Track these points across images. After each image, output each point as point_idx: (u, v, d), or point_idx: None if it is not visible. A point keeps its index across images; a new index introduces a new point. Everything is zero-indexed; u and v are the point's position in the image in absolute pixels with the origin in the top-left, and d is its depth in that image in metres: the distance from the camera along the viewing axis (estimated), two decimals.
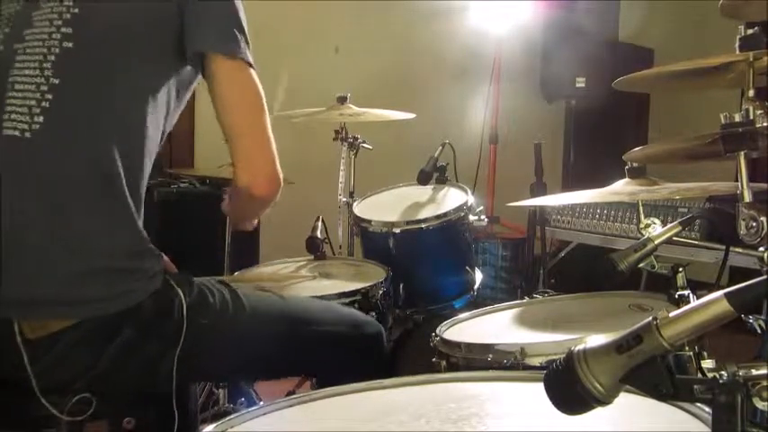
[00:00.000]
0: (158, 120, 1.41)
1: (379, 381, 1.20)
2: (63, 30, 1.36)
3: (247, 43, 1.42)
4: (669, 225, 1.56)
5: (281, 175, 1.44)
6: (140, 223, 1.38)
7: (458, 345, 1.50)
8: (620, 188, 1.61)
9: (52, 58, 1.35)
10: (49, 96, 1.33)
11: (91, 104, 1.35)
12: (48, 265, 1.31)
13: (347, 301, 1.94)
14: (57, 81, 1.34)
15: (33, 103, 1.33)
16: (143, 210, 1.41)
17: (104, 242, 1.33)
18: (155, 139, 1.41)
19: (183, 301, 1.38)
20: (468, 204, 2.40)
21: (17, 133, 1.32)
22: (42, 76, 1.34)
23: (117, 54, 1.37)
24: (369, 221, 2.40)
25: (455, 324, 1.69)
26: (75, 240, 1.31)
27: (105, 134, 1.34)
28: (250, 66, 1.42)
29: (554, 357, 1.30)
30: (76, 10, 1.37)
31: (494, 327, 1.68)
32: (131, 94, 1.37)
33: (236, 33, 1.41)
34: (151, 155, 1.41)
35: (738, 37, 1.35)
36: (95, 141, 1.34)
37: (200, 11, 1.39)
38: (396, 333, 2.36)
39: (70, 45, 1.35)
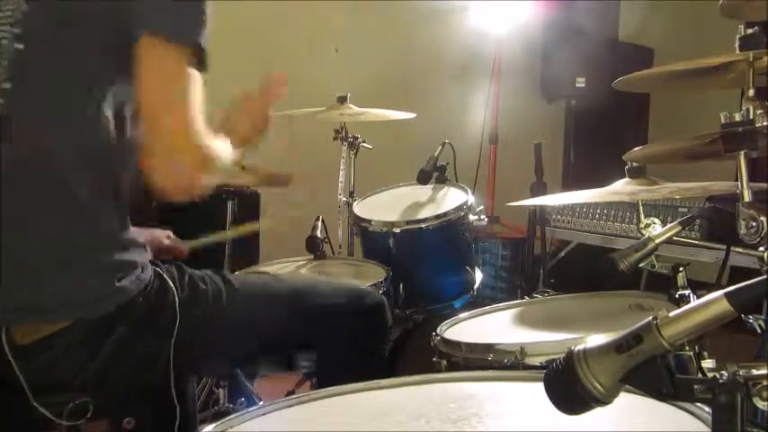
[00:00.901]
0: (120, 108, 1.34)
1: (377, 381, 1.20)
2: (15, 30, 1.31)
3: (195, 26, 1.28)
4: (669, 225, 1.56)
5: (191, 183, 1.33)
6: (121, 217, 1.35)
7: (458, 345, 1.50)
8: (620, 188, 1.61)
9: (4, 62, 1.31)
10: (0, 101, 1.29)
11: (42, 108, 1.31)
12: (26, 274, 1.28)
13: None
14: (7, 85, 1.30)
15: None
16: (125, 202, 1.36)
17: (76, 246, 1.30)
18: (120, 134, 1.34)
19: (176, 292, 1.37)
20: (468, 204, 2.40)
21: None
22: None
23: (64, 52, 1.31)
24: (369, 221, 2.40)
25: (455, 324, 1.69)
26: (45, 247, 1.29)
27: (60, 138, 1.30)
28: (175, 47, 1.27)
29: (554, 357, 1.30)
30: (25, 7, 1.31)
31: (494, 327, 1.68)
32: (83, 94, 1.31)
33: (166, 11, 1.28)
34: (126, 145, 1.34)
35: (738, 37, 1.35)
36: (51, 146, 1.29)
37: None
38: (396, 333, 2.37)
39: (21, 46, 1.31)
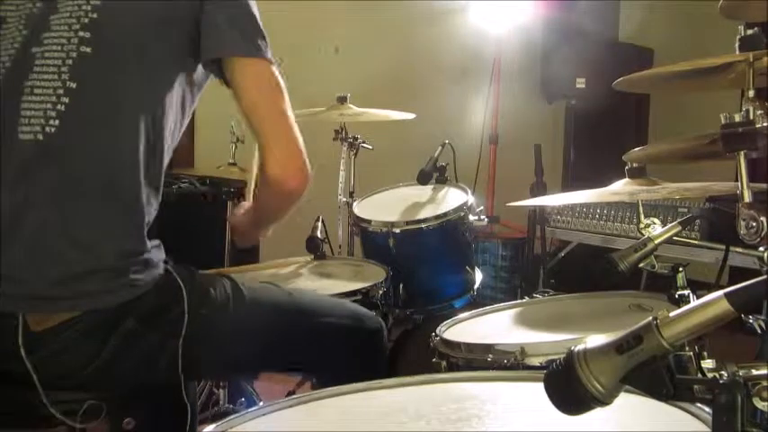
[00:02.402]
0: (173, 120, 1.42)
1: (378, 381, 1.20)
2: (81, 34, 1.37)
3: (265, 40, 1.43)
4: (669, 225, 1.56)
5: (310, 169, 1.45)
6: (147, 222, 1.39)
7: (458, 345, 1.50)
8: (620, 188, 1.61)
9: (70, 62, 1.36)
10: (65, 100, 1.34)
11: (106, 108, 1.36)
12: (53, 263, 1.31)
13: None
14: (74, 85, 1.35)
15: (49, 106, 1.34)
16: (158, 205, 1.43)
17: (111, 243, 1.34)
18: (169, 140, 1.43)
19: (185, 292, 1.38)
20: (468, 204, 2.40)
21: (31, 137, 1.34)
22: (59, 80, 1.35)
23: (133, 58, 1.38)
24: (369, 221, 2.40)
25: (455, 324, 1.69)
26: (82, 241, 1.32)
27: (119, 137, 1.35)
28: (270, 62, 1.43)
29: (554, 357, 1.30)
30: (95, 15, 1.38)
31: (494, 327, 1.68)
32: (146, 96, 1.38)
33: (253, 33, 1.42)
34: (166, 155, 1.43)
35: (738, 37, 1.35)
36: (108, 145, 1.35)
37: (215, 14, 1.40)
38: (396, 333, 2.37)
39: (88, 50, 1.36)
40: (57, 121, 1.34)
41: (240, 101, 1.43)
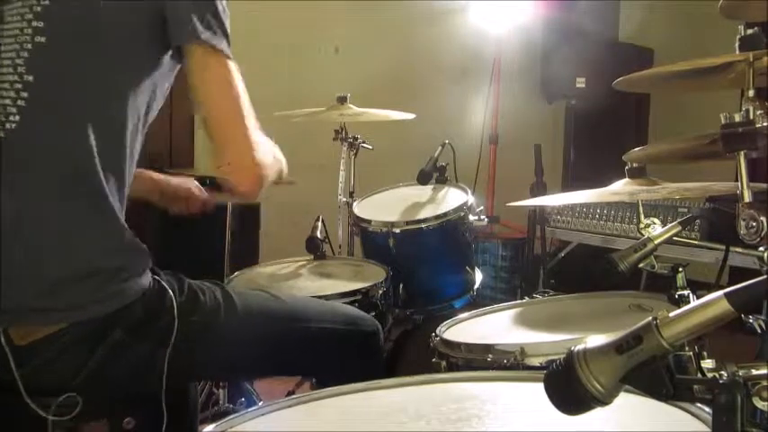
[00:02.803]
0: (137, 113, 1.36)
1: (378, 381, 1.20)
2: (34, 24, 1.31)
3: (225, 34, 1.37)
4: (669, 225, 1.56)
5: (266, 171, 1.40)
6: (122, 220, 1.35)
7: (458, 345, 1.50)
8: (620, 188, 1.61)
9: (25, 54, 1.31)
10: (24, 94, 1.30)
11: (65, 101, 1.31)
12: (30, 271, 1.28)
13: (347, 301, 1.94)
14: (30, 78, 1.30)
15: (8, 102, 1.30)
16: (125, 206, 1.38)
17: (85, 242, 1.30)
18: (135, 133, 1.37)
19: (174, 300, 1.36)
20: (468, 204, 2.40)
21: None
22: (16, 74, 1.31)
23: (90, 47, 1.32)
24: (369, 221, 2.40)
25: (455, 324, 1.69)
26: (54, 243, 1.29)
27: (81, 131, 1.30)
28: (229, 58, 1.37)
29: (554, 357, 1.30)
30: (47, 2, 1.32)
31: (494, 327, 1.68)
32: (107, 88, 1.33)
33: (213, 22, 1.35)
34: (133, 148, 1.37)
35: (738, 37, 1.35)
36: (71, 139, 1.30)
37: (177, 2, 1.35)
38: (396, 333, 2.36)
39: (42, 40, 1.31)
40: (17, 117, 1.29)
41: (194, 93, 1.36)
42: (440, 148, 2.64)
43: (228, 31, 1.38)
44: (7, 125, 1.30)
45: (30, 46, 1.31)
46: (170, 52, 1.39)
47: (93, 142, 1.30)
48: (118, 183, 1.35)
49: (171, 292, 1.37)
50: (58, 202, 1.30)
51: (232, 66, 1.37)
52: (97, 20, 1.33)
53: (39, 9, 1.32)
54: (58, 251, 1.29)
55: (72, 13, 1.33)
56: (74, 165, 1.30)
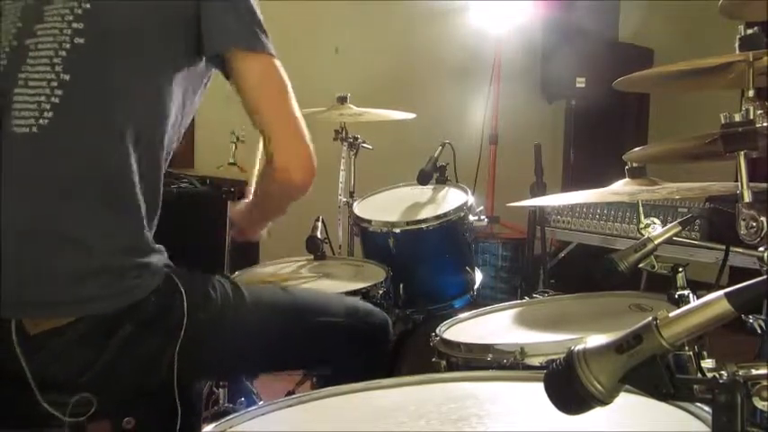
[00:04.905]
0: (172, 116, 1.40)
1: (378, 381, 1.20)
2: (74, 25, 1.35)
3: (266, 34, 1.42)
4: (669, 225, 1.56)
5: (315, 163, 1.44)
6: (146, 221, 1.38)
7: (458, 345, 1.50)
8: (620, 188, 1.61)
9: (63, 53, 1.34)
10: (59, 92, 1.33)
11: (100, 101, 1.34)
12: (48, 265, 1.30)
13: None
14: (67, 77, 1.33)
15: (43, 99, 1.33)
16: (159, 207, 1.42)
17: (106, 241, 1.32)
18: (169, 136, 1.41)
19: (184, 295, 1.37)
20: (468, 204, 2.40)
21: (25, 130, 1.32)
22: (53, 72, 1.33)
23: (128, 51, 1.36)
24: (369, 221, 2.40)
25: (455, 324, 1.69)
26: (76, 239, 1.31)
27: (114, 132, 1.33)
28: (272, 56, 1.42)
29: (554, 357, 1.30)
30: (88, 5, 1.36)
31: (494, 327, 1.68)
32: (142, 91, 1.36)
33: (254, 27, 1.40)
34: (165, 153, 1.41)
35: (738, 37, 1.35)
36: (103, 138, 1.33)
37: (216, 9, 1.39)
38: (396, 333, 2.36)
39: (81, 41, 1.34)
40: (50, 114, 1.32)
41: (243, 97, 1.41)
42: (440, 148, 2.64)
43: (264, 26, 1.42)
44: (41, 120, 1.32)
45: (68, 46, 1.34)
46: (204, 58, 1.42)
47: (122, 145, 1.33)
48: (151, 183, 1.38)
49: (181, 288, 1.38)
50: (77, 201, 1.32)
51: (278, 64, 1.43)
52: (135, 24, 1.36)
53: (79, 11, 1.36)
54: (73, 248, 1.31)
55: (111, 16, 1.36)
56: (101, 163, 1.33)
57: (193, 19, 1.39)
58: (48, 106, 1.32)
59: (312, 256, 2.36)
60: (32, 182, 1.32)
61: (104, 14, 1.36)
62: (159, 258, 1.39)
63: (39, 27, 1.37)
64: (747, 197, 1.26)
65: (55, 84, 1.33)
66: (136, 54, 1.36)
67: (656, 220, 1.60)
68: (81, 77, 1.34)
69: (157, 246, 1.40)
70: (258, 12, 1.43)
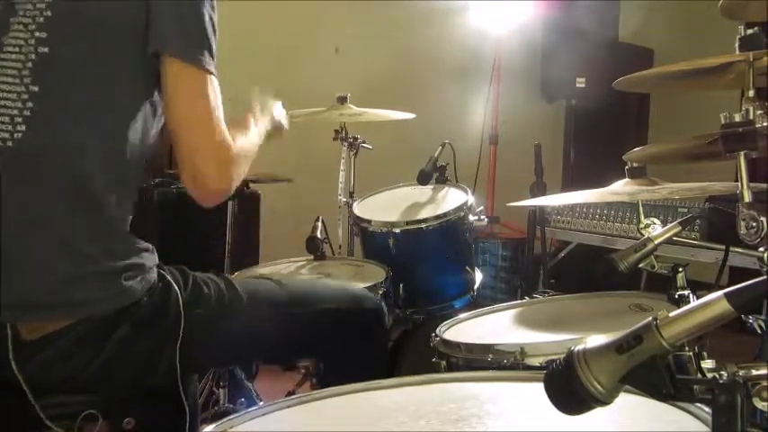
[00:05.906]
0: (143, 120, 1.38)
1: (378, 381, 1.20)
2: (37, 34, 1.33)
3: (210, 49, 1.36)
4: (669, 225, 1.56)
5: (237, 180, 1.39)
6: (128, 224, 1.38)
7: (458, 345, 1.50)
8: (620, 188, 1.61)
9: (30, 65, 1.33)
10: (30, 104, 1.32)
11: (70, 110, 1.33)
12: (37, 272, 1.30)
13: None
14: (36, 89, 1.32)
15: (15, 112, 1.32)
16: (134, 208, 1.40)
17: (90, 247, 1.32)
18: (141, 140, 1.38)
19: (180, 294, 1.38)
20: (468, 204, 2.40)
21: (1, 144, 1.31)
22: (22, 84, 1.32)
23: (92, 57, 1.34)
24: (369, 221, 2.40)
25: (455, 324, 1.69)
26: (60, 247, 1.30)
27: (86, 139, 1.32)
28: (209, 74, 1.35)
29: (554, 357, 1.30)
30: (49, 13, 1.34)
31: (494, 327, 1.68)
32: (110, 97, 1.35)
33: (197, 36, 1.35)
34: (139, 155, 1.38)
35: (738, 37, 1.35)
36: (74, 147, 1.32)
37: (162, 10, 1.34)
38: (396, 333, 2.36)
39: (45, 50, 1.33)
40: (23, 126, 1.31)
41: (167, 109, 1.36)
42: (440, 148, 2.65)
43: (213, 45, 1.37)
44: (15, 135, 1.32)
45: (34, 56, 1.33)
46: (149, 59, 1.37)
47: (98, 150, 1.33)
48: (122, 189, 1.37)
49: (176, 287, 1.39)
50: (63, 209, 1.31)
51: (214, 82, 1.36)
52: (94, 29, 1.34)
53: (41, 20, 1.34)
54: (64, 255, 1.30)
55: (71, 21, 1.34)
56: (77, 172, 1.32)
57: (145, 18, 1.34)
58: (20, 119, 1.31)
59: (312, 257, 2.36)
60: (12, 193, 1.30)
61: (65, 21, 1.34)
62: (151, 258, 1.39)
63: (5, 38, 1.35)
64: (747, 197, 1.26)
65: (26, 96, 1.32)
66: (99, 58, 1.34)
67: (656, 220, 1.61)
68: (49, 87, 1.33)
69: (148, 245, 1.40)
70: (208, 23, 1.37)
